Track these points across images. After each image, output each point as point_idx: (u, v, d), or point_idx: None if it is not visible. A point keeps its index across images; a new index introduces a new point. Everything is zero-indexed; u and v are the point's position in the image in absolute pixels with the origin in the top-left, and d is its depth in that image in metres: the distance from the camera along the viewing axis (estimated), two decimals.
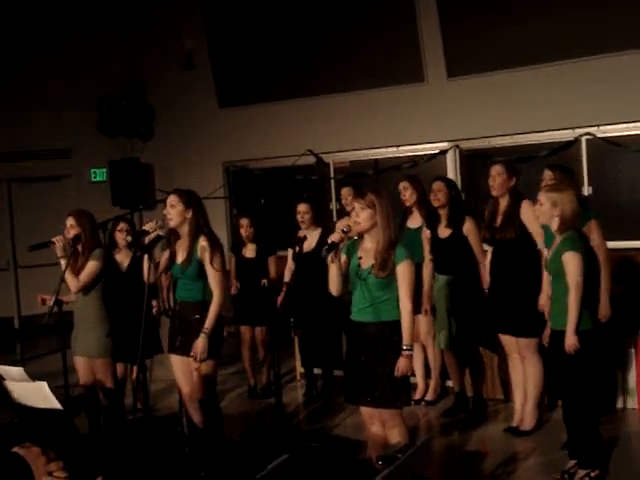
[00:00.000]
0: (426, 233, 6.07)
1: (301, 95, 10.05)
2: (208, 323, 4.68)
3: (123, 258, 6.14)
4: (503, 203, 5.43)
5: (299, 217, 6.62)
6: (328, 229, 6.69)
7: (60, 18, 10.86)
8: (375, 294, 4.17)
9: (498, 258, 5.50)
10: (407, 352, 4.12)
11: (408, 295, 4.14)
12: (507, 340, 5.53)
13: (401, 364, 4.11)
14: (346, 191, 6.75)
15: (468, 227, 5.83)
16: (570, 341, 4.39)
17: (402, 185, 6.30)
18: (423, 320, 6.21)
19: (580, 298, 4.39)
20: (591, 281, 4.52)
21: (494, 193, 5.44)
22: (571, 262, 4.40)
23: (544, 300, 5.09)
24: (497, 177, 5.39)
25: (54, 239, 5.19)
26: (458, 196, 6.02)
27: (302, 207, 6.63)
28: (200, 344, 4.66)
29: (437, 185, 5.94)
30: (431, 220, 6.03)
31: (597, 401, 4.75)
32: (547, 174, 5.45)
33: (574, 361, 4.44)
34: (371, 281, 4.17)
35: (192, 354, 4.68)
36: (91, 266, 5.25)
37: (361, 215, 4.19)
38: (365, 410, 4.36)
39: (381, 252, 4.15)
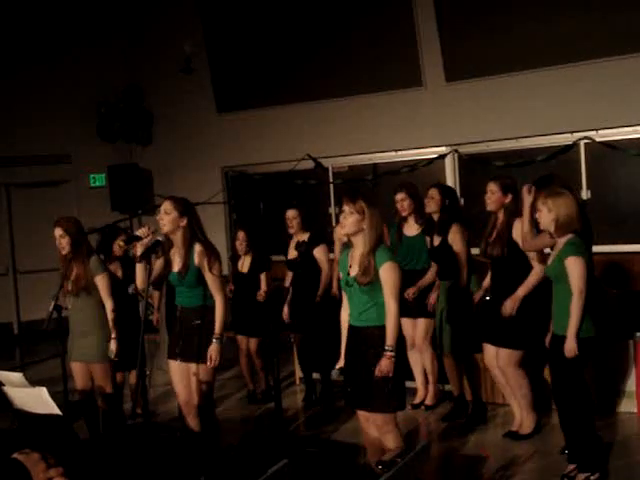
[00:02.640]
0: (427, 240, 6.12)
1: (300, 100, 10.06)
2: (218, 328, 4.69)
3: (116, 268, 6.18)
4: (499, 219, 5.46)
5: (289, 223, 6.71)
6: (317, 233, 6.75)
7: (59, 24, 10.87)
8: (362, 300, 4.20)
9: (493, 272, 5.56)
10: (389, 353, 4.09)
11: (393, 296, 4.13)
12: (490, 351, 5.51)
13: (382, 364, 4.08)
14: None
15: (452, 235, 5.88)
16: (570, 346, 4.39)
17: (399, 196, 6.28)
18: (421, 324, 6.23)
19: (583, 303, 4.39)
20: (592, 287, 4.53)
21: (488, 208, 5.48)
22: (575, 267, 4.41)
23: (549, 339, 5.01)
24: (491, 195, 5.42)
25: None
26: (452, 204, 6.02)
27: (290, 213, 6.72)
28: (215, 350, 4.67)
29: (430, 192, 6.02)
30: (428, 227, 6.07)
31: (595, 405, 4.75)
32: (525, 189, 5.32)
33: (574, 366, 4.45)
34: (356, 288, 4.20)
35: (208, 362, 4.68)
36: (102, 281, 5.30)
37: (348, 219, 4.19)
38: (362, 414, 4.36)
39: (363, 258, 4.17)
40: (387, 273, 4.13)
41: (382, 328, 4.14)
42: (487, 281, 5.73)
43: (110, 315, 5.30)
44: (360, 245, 4.21)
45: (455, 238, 5.87)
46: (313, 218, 6.97)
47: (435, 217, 6.01)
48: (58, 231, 5.30)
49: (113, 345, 5.30)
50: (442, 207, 5.95)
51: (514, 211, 5.35)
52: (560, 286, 4.53)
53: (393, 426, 4.25)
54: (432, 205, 5.97)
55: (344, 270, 4.32)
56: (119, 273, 6.20)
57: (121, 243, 6.18)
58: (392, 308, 4.12)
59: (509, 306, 5.27)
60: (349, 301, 4.31)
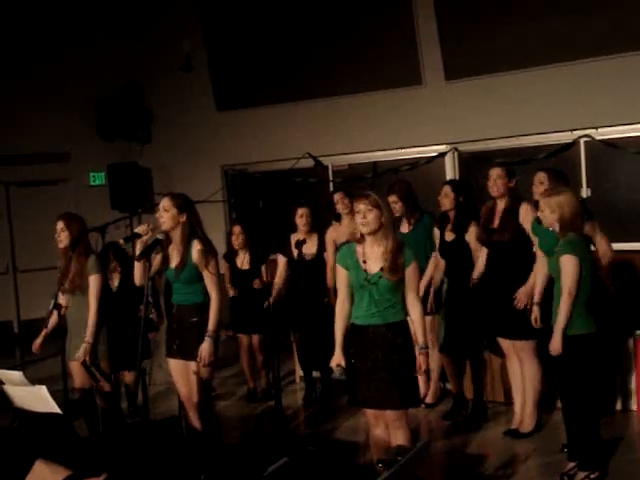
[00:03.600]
0: (436, 233, 6.10)
1: (300, 98, 10.04)
2: (211, 326, 4.67)
3: (113, 277, 6.18)
4: (501, 205, 5.45)
5: (302, 220, 6.66)
6: (324, 234, 6.74)
7: (58, 21, 10.85)
8: (386, 297, 4.14)
9: (494, 260, 5.50)
10: (424, 350, 4.17)
11: (419, 295, 4.25)
12: (505, 343, 5.54)
13: (423, 362, 4.16)
14: (339, 196, 6.79)
15: (471, 233, 5.84)
16: (555, 344, 4.42)
17: (390, 199, 6.28)
18: (427, 321, 6.21)
19: (572, 302, 4.40)
20: (595, 284, 4.52)
21: (494, 194, 5.45)
22: (567, 266, 4.42)
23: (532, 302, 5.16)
24: (498, 180, 5.41)
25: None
26: (466, 201, 5.99)
27: (305, 211, 6.69)
28: (206, 348, 4.65)
29: (444, 190, 5.99)
30: (442, 222, 6.05)
31: (597, 403, 4.75)
32: (538, 177, 5.45)
33: (575, 363, 4.45)
34: (383, 285, 4.12)
35: (198, 359, 4.66)
36: (94, 281, 5.24)
37: (369, 216, 4.11)
38: (370, 412, 4.33)
39: (391, 254, 4.11)
40: (414, 272, 4.19)
41: (399, 325, 4.17)
42: (478, 269, 5.70)
43: (91, 318, 5.18)
44: (380, 240, 4.15)
45: (473, 237, 5.82)
46: (316, 216, 6.93)
47: (451, 214, 5.96)
48: (60, 224, 5.30)
49: (82, 348, 5.16)
50: (457, 204, 5.93)
51: (518, 196, 5.38)
52: (559, 284, 4.53)
53: (405, 422, 4.24)
54: (446, 203, 5.94)
55: (356, 268, 4.20)
56: (115, 283, 6.24)
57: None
58: (420, 307, 4.23)
59: (523, 296, 5.28)
60: (363, 299, 4.18)
